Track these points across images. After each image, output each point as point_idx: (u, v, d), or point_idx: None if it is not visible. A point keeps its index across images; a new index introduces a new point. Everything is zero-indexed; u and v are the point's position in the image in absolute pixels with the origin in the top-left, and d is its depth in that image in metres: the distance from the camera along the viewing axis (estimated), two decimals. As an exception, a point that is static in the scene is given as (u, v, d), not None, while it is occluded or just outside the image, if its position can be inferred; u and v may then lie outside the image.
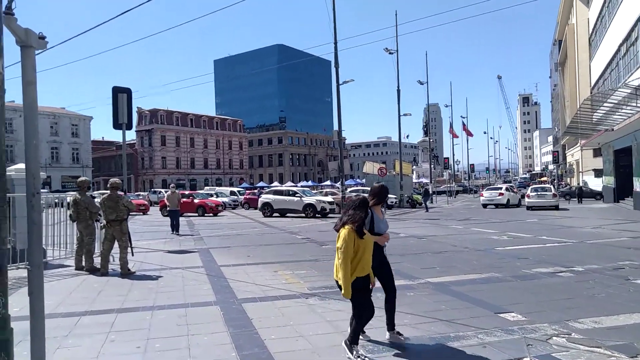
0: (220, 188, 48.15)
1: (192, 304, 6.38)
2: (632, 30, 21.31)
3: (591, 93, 32.79)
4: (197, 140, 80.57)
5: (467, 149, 75.51)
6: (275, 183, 69.55)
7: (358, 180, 68.78)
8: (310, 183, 69.77)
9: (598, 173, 41.25)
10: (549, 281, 7.53)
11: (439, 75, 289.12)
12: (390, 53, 34.00)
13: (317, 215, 23.75)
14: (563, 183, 55.91)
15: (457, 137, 61.99)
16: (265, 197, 25.86)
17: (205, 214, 27.36)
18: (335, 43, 25.80)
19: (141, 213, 29.28)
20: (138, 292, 7.18)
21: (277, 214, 25.02)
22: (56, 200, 10.57)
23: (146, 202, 32.27)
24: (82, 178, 9.37)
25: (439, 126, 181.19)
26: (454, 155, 64.84)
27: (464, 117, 67.29)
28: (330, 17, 25.52)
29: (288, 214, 24.87)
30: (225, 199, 35.98)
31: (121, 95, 11.06)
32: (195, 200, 28.04)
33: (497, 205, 30.95)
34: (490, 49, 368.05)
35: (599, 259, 9.51)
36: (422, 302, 6.31)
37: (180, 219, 18.59)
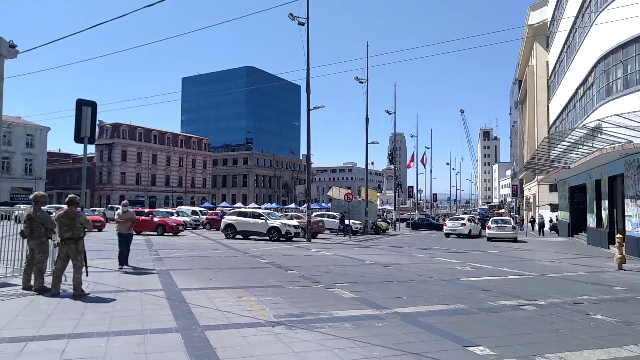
0: (182, 207, 46.96)
1: (151, 331, 6.02)
2: (588, 75, 22.63)
3: (549, 132, 34.41)
4: (160, 157, 78.81)
5: (430, 179, 77.46)
6: (239, 204, 68.57)
7: (323, 204, 68.80)
8: (274, 205, 69.16)
9: (554, 208, 42.93)
10: (514, 314, 7.60)
11: (406, 106, 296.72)
12: (360, 82, 34.66)
13: (281, 238, 23.43)
14: (519, 216, 57.79)
15: (410, 166, 63.40)
16: (228, 218, 25.34)
17: (165, 233, 26.48)
18: (308, 70, 26.09)
19: (97, 230, 28.05)
20: (92, 316, 6.73)
21: (239, 236, 24.52)
22: (2, 213, 9.90)
23: (102, 219, 30.93)
24: (39, 192, 8.81)
25: (404, 155, 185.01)
26: (417, 184, 66.09)
27: (428, 148, 69.09)
28: (304, 44, 25.85)
29: (251, 237, 24.42)
30: (187, 219, 35.04)
31: (85, 108, 10.66)
32: (155, 219, 27.13)
33: (459, 235, 31.55)
34: (455, 84, 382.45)
35: (559, 292, 9.73)
36: (391, 333, 6.20)
37: (138, 237, 17.61)
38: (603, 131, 16.68)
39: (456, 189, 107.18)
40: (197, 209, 42.54)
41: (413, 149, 63.69)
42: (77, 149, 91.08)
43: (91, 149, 72.09)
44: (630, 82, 17.91)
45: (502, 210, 77.21)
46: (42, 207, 8.69)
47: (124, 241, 12.29)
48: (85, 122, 10.63)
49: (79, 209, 9.09)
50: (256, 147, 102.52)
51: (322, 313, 7.26)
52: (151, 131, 78.46)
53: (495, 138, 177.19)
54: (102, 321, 6.44)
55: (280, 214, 33.86)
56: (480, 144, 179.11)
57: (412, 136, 63.47)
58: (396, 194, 54.33)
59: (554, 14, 34.60)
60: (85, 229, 8.50)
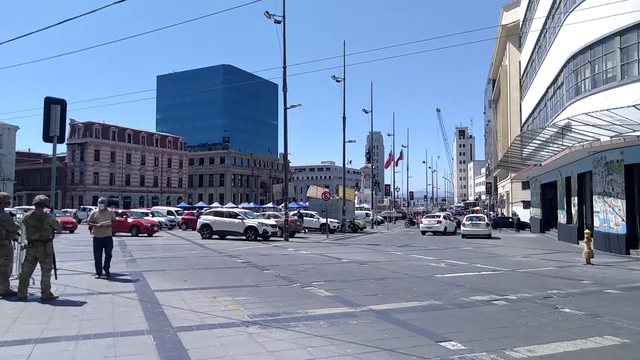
0: (157, 207, 46.23)
1: (122, 333, 5.90)
2: (558, 75, 23.21)
3: (521, 130, 35.16)
4: (134, 157, 77.37)
5: (407, 177, 78.31)
6: (216, 203, 67.91)
7: (301, 203, 68.74)
8: (252, 205, 68.78)
9: (526, 205, 43.94)
10: (486, 309, 7.75)
11: (383, 105, 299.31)
12: (337, 81, 34.72)
13: (258, 238, 23.31)
14: (493, 213, 58.98)
15: (389, 165, 64.01)
16: (204, 218, 25.07)
17: (140, 234, 26.03)
18: (284, 68, 26.01)
19: (68, 232, 27.37)
20: (60, 320, 6.56)
21: (216, 236, 24.29)
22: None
23: (74, 220, 30.19)
24: (1, 193, 8.54)
25: (381, 154, 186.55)
26: (394, 182, 66.65)
27: (405, 146, 69.84)
28: (280, 42, 25.76)
29: (228, 237, 24.22)
30: (162, 219, 34.51)
31: (54, 107, 10.36)
32: (129, 220, 26.63)
33: (435, 233, 31.97)
34: (432, 83, 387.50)
35: (529, 287, 9.96)
36: (365, 330, 6.24)
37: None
38: (572, 129, 17.13)
39: (432, 187, 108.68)
40: (172, 209, 41.95)
41: (390, 147, 64.23)
42: (48, 149, 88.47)
43: (62, 148, 70.32)
44: (597, 82, 18.44)
45: (477, 208, 78.65)
46: (5, 209, 8.41)
47: (103, 246, 10.47)
48: (54, 121, 10.33)
49: (48, 210, 8.84)
50: (233, 146, 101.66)
51: (297, 312, 7.26)
52: (125, 130, 76.94)
53: (471, 137, 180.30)
54: (71, 325, 6.28)
55: (258, 213, 33.71)
56: (456, 143, 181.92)
57: (389, 135, 63.95)
58: (373, 192, 54.67)
59: (525, 14, 35.37)
60: (55, 231, 8.28)
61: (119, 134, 75.47)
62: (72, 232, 27.79)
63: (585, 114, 14.83)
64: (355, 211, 54.09)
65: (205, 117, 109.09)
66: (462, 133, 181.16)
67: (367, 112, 45.19)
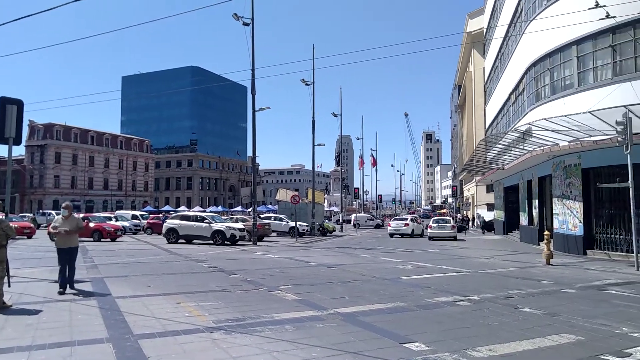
0: (121, 211, 44.99)
1: (80, 342, 5.69)
2: (519, 81, 23.99)
3: (485, 135, 36.15)
4: (98, 159, 75.11)
5: (376, 181, 79.11)
6: (183, 207, 66.66)
7: (270, 206, 68.36)
8: (220, 208, 67.92)
9: (490, 207, 45.13)
10: (450, 310, 7.88)
11: (352, 109, 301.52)
12: (307, 84, 34.77)
13: (226, 242, 23.00)
14: (459, 216, 60.29)
15: (362, 166, 64.64)
16: (170, 222, 24.55)
17: (102, 239, 25.25)
18: (253, 70, 25.83)
19: (26, 237, 26.27)
20: (13, 330, 6.27)
21: (183, 241, 23.82)
22: None
23: (32, 225, 29.00)
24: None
25: (351, 157, 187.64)
26: (363, 185, 67.23)
27: (373, 150, 70.43)
28: (249, 45, 25.59)
29: (195, 241, 23.81)
30: (126, 223, 33.56)
31: (10, 107, 9.91)
32: (91, 224, 25.79)
33: (402, 235, 32.38)
34: (400, 88, 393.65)
35: (492, 288, 10.21)
36: (331, 334, 6.24)
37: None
38: (533, 134, 17.71)
39: (401, 190, 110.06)
40: (137, 213, 40.88)
41: (360, 151, 64.78)
42: (3, 151, 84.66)
43: (20, 150, 67.64)
44: (556, 89, 19.16)
45: (444, 211, 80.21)
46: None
47: (67, 257, 9.11)
48: (10, 122, 9.88)
49: (2, 215, 8.46)
50: (201, 149, 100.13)
51: (264, 316, 7.19)
52: (88, 132, 74.63)
53: (438, 141, 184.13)
54: (24, 334, 6.02)
55: (226, 217, 33.30)
56: (424, 147, 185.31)
57: (358, 138, 64.44)
58: (343, 195, 54.96)
59: (489, 22, 36.44)
60: (9, 237, 7.93)
61: (82, 135, 73.12)
62: (30, 237, 26.69)
63: (545, 119, 15.38)
64: (361, 214, 55.37)
65: (172, 119, 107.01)
66: (429, 137, 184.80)
67: (336, 116, 45.41)
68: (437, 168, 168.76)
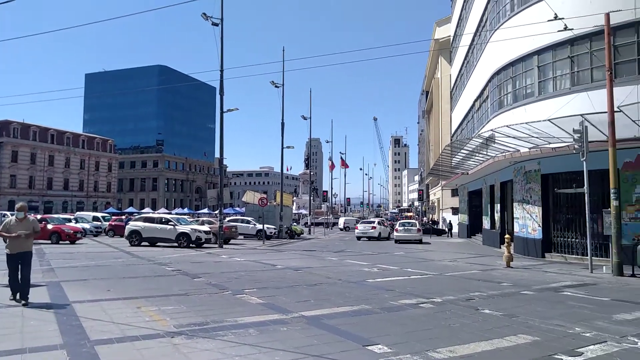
0: (82, 213, 43.48)
1: (32, 349, 5.45)
2: (484, 89, 24.69)
3: (451, 140, 36.95)
4: (58, 159, 72.37)
5: (345, 184, 79.67)
6: (147, 209, 65.14)
7: (238, 209, 67.63)
8: (186, 211, 66.74)
9: (455, 211, 46.14)
10: (413, 312, 7.99)
11: (322, 112, 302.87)
12: (276, 86, 34.65)
13: (191, 245, 22.60)
14: (425, 218, 61.36)
15: (333, 168, 64.91)
16: (133, 224, 23.90)
17: (61, 242, 24.33)
18: (222, 71, 25.55)
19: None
20: (-41, 337, 5.94)
21: (146, 243, 23.24)
22: None
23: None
24: None
25: (320, 160, 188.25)
26: (332, 188, 67.51)
27: (342, 153, 70.78)
28: (218, 45, 25.30)
29: (159, 244, 23.27)
30: (87, 225, 32.45)
31: (-40, 101, 9.44)
32: (49, 226, 24.81)
33: (369, 238, 32.67)
34: (369, 93, 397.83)
35: (454, 290, 10.42)
36: (295, 337, 6.21)
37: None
38: (495, 141, 18.24)
39: (369, 194, 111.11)
40: (99, 214, 39.61)
41: (329, 154, 65.07)
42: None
43: (-26, 148, 64.36)
44: (518, 97, 19.80)
45: (410, 214, 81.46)
46: None
47: (18, 263, 8.18)
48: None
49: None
50: (167, 150, 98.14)
51: (227, 320, 7.08)
52: (48, 130, 71.83)
53: (405, 145, 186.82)
54: (-29, 342, 5.70)
55: (192, 219, 32.72)
56: (392, 151, 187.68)
57: (328, 142, 64.93)
58: (311, 198, 55.01)
59: (456, 30, 37.36)
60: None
61: (41, 134, 70.33)
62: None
63: (507, 126, 15.86)
64: (350, 217, 55.22)
65: (138, 118, 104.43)
66: (397, 142, 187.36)
67: (306, 119, 45.45)
68: (405, 172, 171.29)
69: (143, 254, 18.91)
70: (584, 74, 16.79)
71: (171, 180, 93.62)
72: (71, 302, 8.29)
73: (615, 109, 13.58)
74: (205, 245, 23.46)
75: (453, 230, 41.27)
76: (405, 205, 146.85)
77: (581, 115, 14.31)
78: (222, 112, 25.84)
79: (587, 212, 14.32)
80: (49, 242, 24.12)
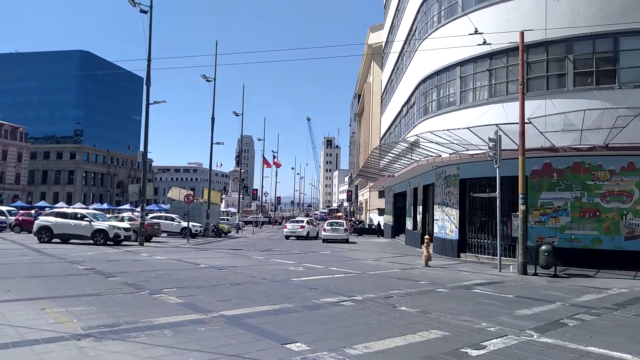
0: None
1: None
2: (411, 95, 25.72)
3: (380, 143, 38.07)
4: (-41, 146, 65.39)
5: (276, 183, 79.44)
6: (62, 203, 60.63)
7: (163, 205, 65.01)
8: (106, 206, 63.06)
9: (381, 212, 47.67)
10: (333, 310, 8.11)
11: (255, 110, 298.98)
12: (207, 80, 33.75)
13: (109, 242, 21.35)
14: (354, 219, 62.82)
15: (270, 166, 64.48)
16: (43, 220, 22.12)
17: (-43, 237, 21.99)
18: (149, 61, 24.40)
19: None
20: None
21: (58, 240, 21.61)
22: None
23: None
24: None
25: (252, 158, 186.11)
26: (263, 187, 66.95)
27: (275, 152, 70.48)
28: (146, 33, 24.14)
29: (73, 241, 21.75)
30: (-13, 220, 29.61)
31: None
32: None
33: (298, 237, 32.79)
34: (304, 93, 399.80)
35: (375, 288, 10.74)
36: (212, 337, 6.06)
37: None
38: (420, 145, 19.08)
39: (300, 193, 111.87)
40: (4, 208, 36.24)
41: (261, 152, 64.48)
42: None
43: None
44: (442, 105, 20.85)
45: (339, 214, 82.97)
46: None
47: None
48: None
49: None
50: (87, 141, 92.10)
51: (141, 321, 6.76)
52: (-54, 113, 64.62)
53: (337, 146, 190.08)
54: None
55: (111, 215, 30.96)
56: (324, 152, 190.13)
57: (260, 139, 64.10)
58: (241, 196, 54.20)
59: (388, 37, 38.58)
60: None
61: (-62, 117, 63.09)
62: None
63: (430, 132, 16.64)
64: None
65: (54, 106, 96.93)
66: (329, 143, 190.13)
67: (238, 115, 44.78)
68: (336, 173, 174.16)
69: (53, 251, 17.58)
70: (500, 87, 18.03)
71: (90, 174, 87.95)
72: (-38, 304, 7.50)
73: (526, 120, 14.72)
74: (124, 243, 22.30)
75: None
76: (335, 205, 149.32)
77: (496, 125, 15.35)
78: (147, 104, 24.70)
79: (498, 215, 15.39)
80: (-58, 237, 21.71)
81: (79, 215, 22.24)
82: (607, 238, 15.93)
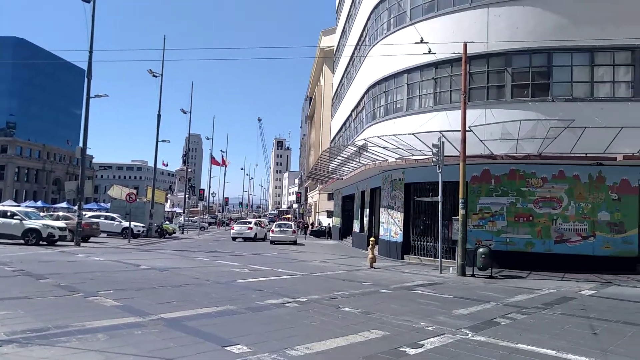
0: None
1: None
2: (360, 100, 26.16)
3: (330, 146, 38.40)
4: None
5: (224, 183, 78.04)
6: (-9, 200, 56.49)
7: (104, 204, 62.10)
8: (40, 204, 59.25)
9: (330, 214, 48.06)
10: (277, 312, 8.08)
11: (204, 108, 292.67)
12: (154, 76, 32.70)
13: (42, 242, 20.12)
14: (302, 221, 62.91)
15: (219, 164, 63.32)
16: (-31, 218, 20.52)
17: None
18: (91, 52, 23.28)
19: None
20: None
21: (-16, 239, 20.12)
22: None
23: None
24: None
25: (199, 157, 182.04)
26: (210, 187, 65.65)
27: (223, 152, 69.33)
28: (88, 22, 23.02)
29: (2, 240, 20.30)
30: None
31: None
32: None
33: (245, 239, 32.40)
34: (255, 93, 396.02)
35: (320, 289, 10.80)
36: (150, 340, 5.86)
37: None
38: (368, 149, 19.41)
39: (249, 194, 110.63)
40: None
41: (209, 151, 63.21)
42: None
43: None
44: (389, 110, 21.35)
45: (289, 216, 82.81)
46: None
47: None
48: None
49: None
50: (21, 134, 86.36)
51: (73, 325, 6.42)
52: None
53: (288, 148, 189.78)
54: None
55: (45, 214, 29.20)
56: (274, 153, 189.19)
57: (208, 138, 62.83)
58: (187, 196, 52.81)
59: (339, 41, 39.03)
60: None
61: None
62: None
63: (378, 136, 16.98)
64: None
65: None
66: (280, 144, 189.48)
67: (185, 113, 43.59)
68: (286, 174, 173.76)
69: (-22, 251, 16.34)
70: (445, 95, 18.71)
71: (23, 169, 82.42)
72: None
73: (467, 128, 15.37)
74: (59, 243, 21.11)
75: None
76: (284, 207, 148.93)
77: (440, 131, 15.92)
78: (88, 97, 23.58)
79: (440, 219, 15.95)
80: None
81: (8, 213, 20.79)
82: (539, 242, 16.93)
